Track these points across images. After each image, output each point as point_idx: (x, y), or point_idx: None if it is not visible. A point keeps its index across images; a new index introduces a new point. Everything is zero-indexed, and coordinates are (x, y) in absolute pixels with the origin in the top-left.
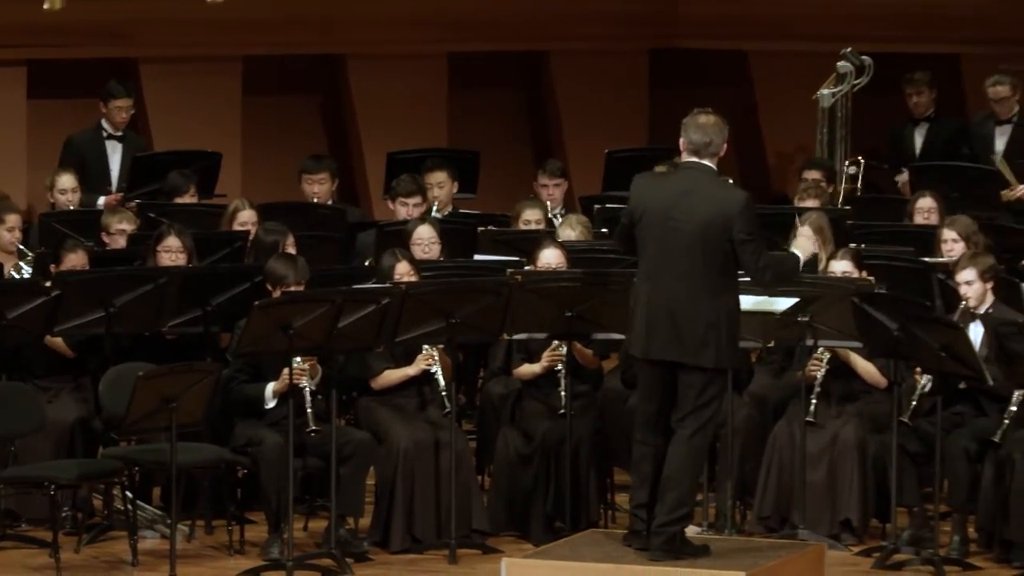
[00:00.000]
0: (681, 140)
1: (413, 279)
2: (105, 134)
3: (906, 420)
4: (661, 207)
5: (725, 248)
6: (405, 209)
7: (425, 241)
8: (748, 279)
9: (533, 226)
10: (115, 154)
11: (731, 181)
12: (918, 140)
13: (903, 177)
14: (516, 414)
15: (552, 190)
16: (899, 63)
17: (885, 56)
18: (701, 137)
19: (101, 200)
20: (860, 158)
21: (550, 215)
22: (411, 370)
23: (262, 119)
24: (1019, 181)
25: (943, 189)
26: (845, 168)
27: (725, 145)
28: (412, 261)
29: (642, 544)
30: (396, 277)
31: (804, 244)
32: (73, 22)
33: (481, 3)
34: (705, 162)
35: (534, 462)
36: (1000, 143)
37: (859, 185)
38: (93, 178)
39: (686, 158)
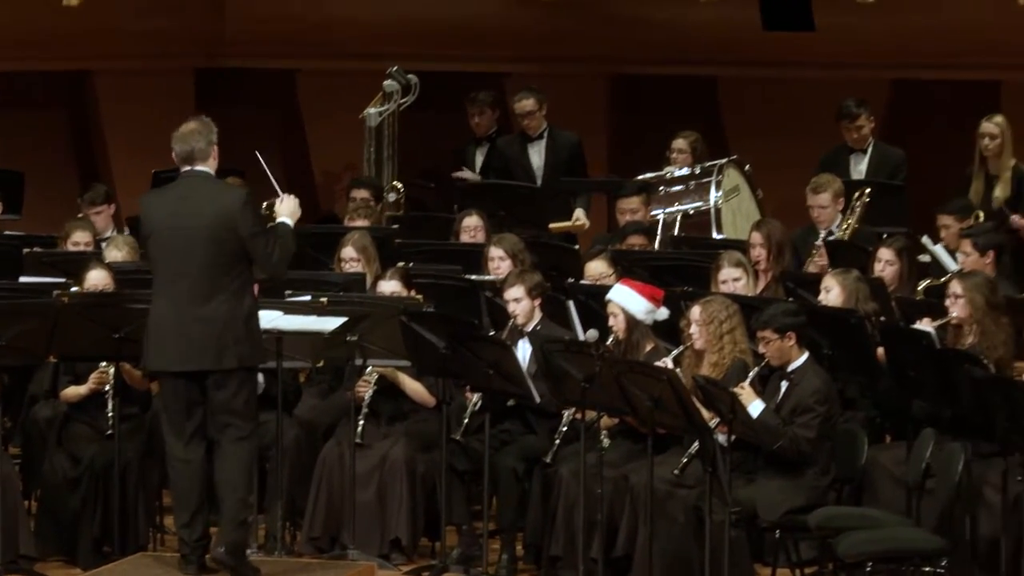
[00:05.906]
0: (173, 154)
1: None
2: None
3: (458, 438)
4: (163, 218)
5: (233, 248)
6: None
7: None
8: (264, 276)
9: (83, 248)
10: None
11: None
12: (479, 159)
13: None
14: (63, 437)
15: (95, 217)
16: (447, 82)
17: (433, 75)
18: (183, 147)
19: None
20: (398, 183)
21: (99, 238)
22: None
23: None
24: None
25: (490, 208)
26: (387, 194)
27: (213, 147)
28: None
29: (195, 570)
30: None
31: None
32: None
33: (21, 21)
34: (199, 167)
35: (82, 485)
36: (535, 159)
37: (402, 206)
38: None
39: (182, 169)
